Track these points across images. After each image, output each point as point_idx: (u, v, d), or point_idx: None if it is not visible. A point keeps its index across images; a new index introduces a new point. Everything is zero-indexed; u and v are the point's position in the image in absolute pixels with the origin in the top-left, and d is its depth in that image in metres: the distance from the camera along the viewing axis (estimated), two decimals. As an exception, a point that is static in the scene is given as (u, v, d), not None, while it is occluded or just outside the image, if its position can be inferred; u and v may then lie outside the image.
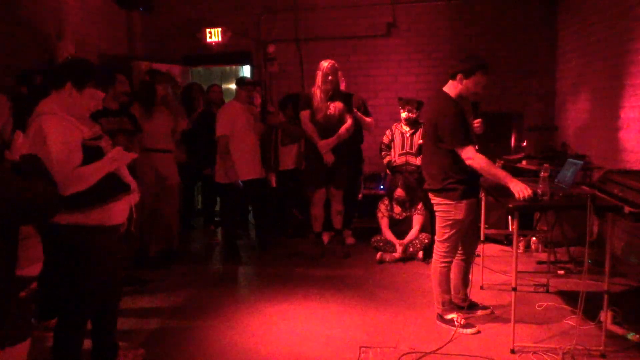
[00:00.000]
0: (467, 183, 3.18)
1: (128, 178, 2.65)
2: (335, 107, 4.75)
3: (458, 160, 3.14)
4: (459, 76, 3.17)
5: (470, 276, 3.50)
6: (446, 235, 3.27)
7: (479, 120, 3.19)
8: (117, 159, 2.53)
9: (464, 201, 3.17)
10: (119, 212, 2.56)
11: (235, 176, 4.74)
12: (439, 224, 3.32)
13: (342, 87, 5.15)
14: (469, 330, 3.25)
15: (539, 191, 2.98)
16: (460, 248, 3.42)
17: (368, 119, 5.23)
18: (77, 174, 2.37)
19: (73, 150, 2.38)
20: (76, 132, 2.42)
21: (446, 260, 3.33)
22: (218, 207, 6.11)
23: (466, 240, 3.43)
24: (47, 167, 2.16)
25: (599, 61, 5.09)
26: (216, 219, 6.08)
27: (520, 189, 2.94)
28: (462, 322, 3.26)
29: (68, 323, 2.55)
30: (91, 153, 2.45)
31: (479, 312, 3.52)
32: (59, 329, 2.55)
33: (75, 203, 2.37)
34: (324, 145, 4.74)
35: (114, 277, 2.69)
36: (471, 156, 3.10)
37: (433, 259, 3.42)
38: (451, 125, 3.13)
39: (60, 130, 2.37)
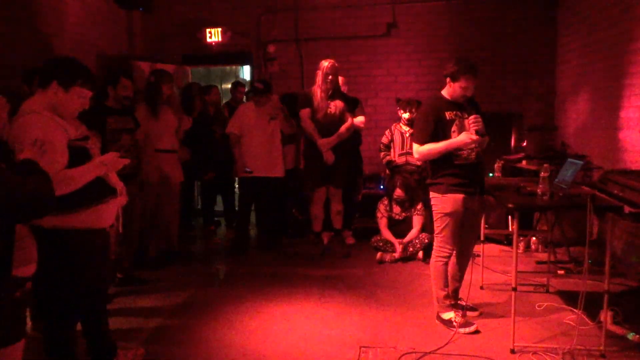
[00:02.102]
0: (454, 177, 3.26)
1: (115, 181, 2.61)
2: (335, 106, 4.75)
3: (439, 159, 3.29)
4: (447, 79, 3.30)
5: (464, 275, 3.52)
6: (438, 229, 3.37)
7: (472, 117, 3.19)
8: (107, 163, 2.48)
9: (449, 195, 3.26)
10: (106, 214, 2.54)
11: (242, 170, 4.95)
12: (433, 217, 3.44)
13: (344, 89, 5.16)
14: (467, 330, 3.25)
15: (539, 191, 2.98)
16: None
17: (357, 122, 5.05)
18: (63, 175, 2.30)
19: (58, 151, 2.32)
20: (61, 132, 2.36)
21: (440, 254, 3.38)
22: (217, 207, 6.11)
23: (461, 236, 3.46)
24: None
25: (599, 61, 5.09)
26: (216, 218, 6.08)
27: (466, 137, 3.17)
28: (459, 322, 3.27)
29: (57, 324, 2.54)
30: (77, 153, 2.40)
31: (468, 313, 3.51)
32: (48, 331, 2.54)
33: (61, 206, 2.28)
34: (324, 144, 4.74)
35: (100, 279, 2.68)
36: (416, 152, 3.39)
37: (432, 254, 3.49)
38: (417, 122, 3.43)
39: (43, 128, 2.29)
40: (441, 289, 3.39)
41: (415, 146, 3.37)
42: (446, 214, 3.30)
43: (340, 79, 5.20)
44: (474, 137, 3.16)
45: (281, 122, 4.97)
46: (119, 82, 4.07)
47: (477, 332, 3.25)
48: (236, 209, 5.95)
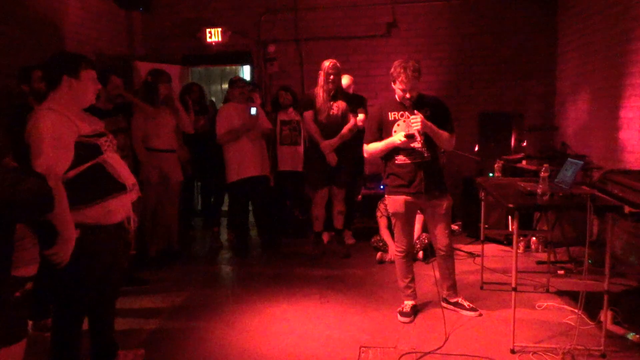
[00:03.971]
0: (396, 178, 3.43)
1: (127, 177, 2.60)
2: (338, 107, 4.75)
3: (386, 159, 3.49)
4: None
5: (452, 272, 3.61)
6: (393, 227, 3.62)
7: (412, 117, 3.26)
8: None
9: (391, 196, 3.48)
10: (115, 210, 2.53)
11: (236, 174, 4.87)
12: None
13: (351, 90, 5.16)
14: (472, 313, 3.50)
15: (539, 191, 2.98)
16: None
17: (359, 120, 5.01)
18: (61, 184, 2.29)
19: (63, 147, 2.33)
20: (71, 128, 2.37)
21: (397, 249, 3.58)
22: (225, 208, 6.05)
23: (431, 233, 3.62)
24: (33, 165, 2.15)
25: (599, 61, 5.09)
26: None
27: (395, 138, 3.32)
28: (404, 311, 3.49)
29: (64, 321, 2.54)
30: (87, 150, 2.41)
31: (468, 313, 3.54)
32: (55, 328, 2.54)
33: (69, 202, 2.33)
34: (327, 145, 4.73)
35: (110, 276, 2.67)
36: (364, 152, 3.56)
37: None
38: (366, 124, 3.66)
39: (52, 125, 2.32)
40: (401, 279, 3.60)
41: (364, 146, 3.56)
42: (392, 214, 3.54)
43: (348, 78, 5.24)
44: (403, 138, 3.29)
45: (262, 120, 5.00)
46: (109, 81, 4.04)
47: (480, 315, 3.48)
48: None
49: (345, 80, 5.16)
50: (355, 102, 4.98)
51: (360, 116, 4.98)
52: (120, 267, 2.80)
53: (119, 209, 2.57)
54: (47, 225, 2.29)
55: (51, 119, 2.34)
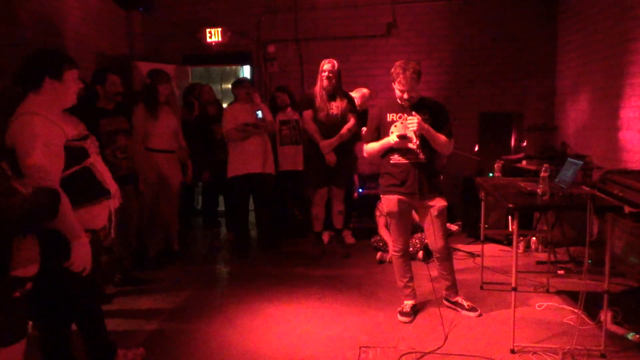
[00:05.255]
0: (389, 178, 3.47)
1: (110, 183, 2.58)
2: (337, 106, 4.75)
3: (383, 157, 3.51)
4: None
5: (451, 272, 3.61)
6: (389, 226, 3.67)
7: (408, 118, 3.28)
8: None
9: (385, 196, 3.52)
10: (100, 216, 2.52)
11: (235, 170, 4.90)
12: None
13: (359, 102, 5.18)
14: (472, 313, 3.50)
15: (539, 191, 2.98)
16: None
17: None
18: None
19: (54, 154, 2.26)
20: (59, 132, 2.30)
21: (393, 249, 3.61)
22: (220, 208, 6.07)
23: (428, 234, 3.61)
24: (22, 168, 2.11)
25: (599, 61, 5.09)
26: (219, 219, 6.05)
27: (390, 138, 3.37)
28: (404, 311, 3.49)
29: (52, 324, 2.53)
30: (75, 154, 2.36)
31: (468, 314, 3.54)
32: (44, 331, 2.54)
33: None
34: (326, 145, 4.73)
35: (93, 280, 2.65)
36: (364, 152, 3.62)
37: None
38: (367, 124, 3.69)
39: (41, 130, 2.23)
40: (399, 279, 3.62)
41: (363, 145, 3.63)
42: (386, 213, 3.59)
43: (365, 91, 5.30)
44: (396, 139, 3.33)
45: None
46: (106, 80, 4.03)
47: (480, 315, 3.48)
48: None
49: (360, 100, 5.24)
50: (361, 113, 4.98)
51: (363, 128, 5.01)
52: (102, 270, 2.79)
53: (103, 214, 2.55)
54: (58, 236, 2.26)
55: (38, 124, 2.23)
